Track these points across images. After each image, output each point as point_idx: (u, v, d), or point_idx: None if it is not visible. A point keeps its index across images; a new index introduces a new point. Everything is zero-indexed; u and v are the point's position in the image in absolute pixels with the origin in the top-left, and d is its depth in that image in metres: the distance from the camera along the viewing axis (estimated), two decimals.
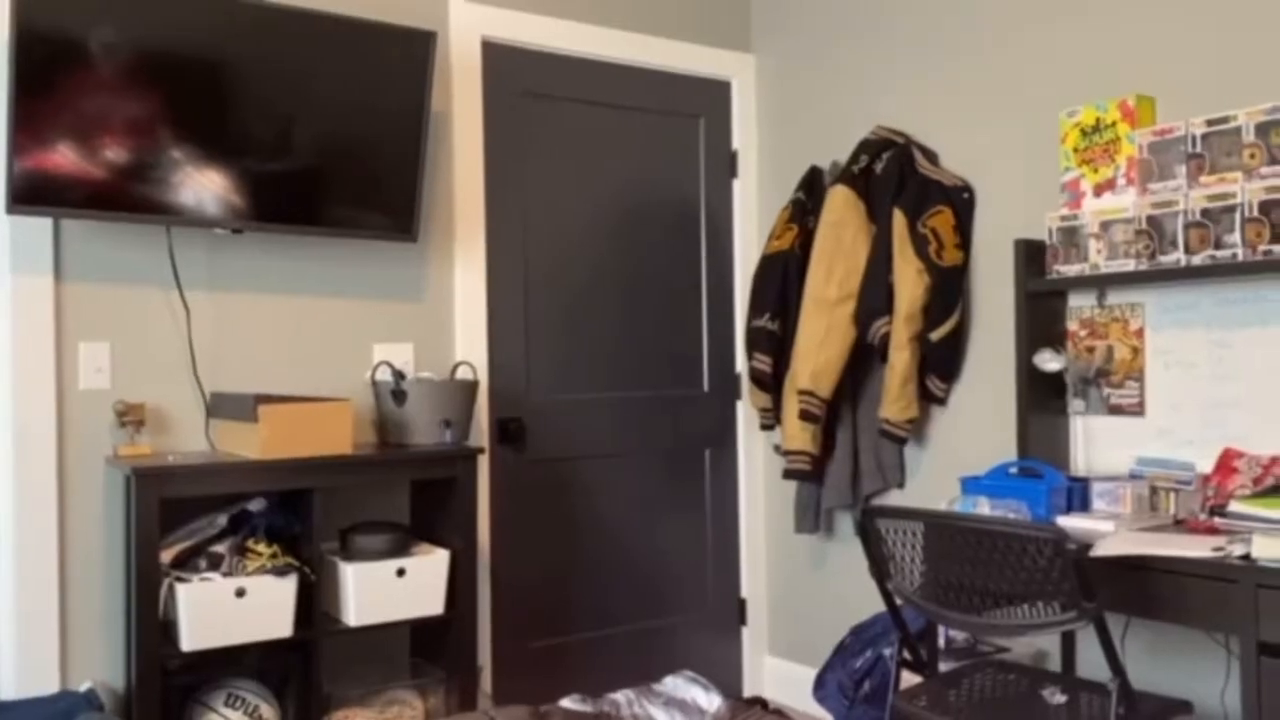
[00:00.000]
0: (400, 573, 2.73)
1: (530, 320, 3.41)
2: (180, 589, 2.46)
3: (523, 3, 3.38)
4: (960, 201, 3.11)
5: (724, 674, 3.81)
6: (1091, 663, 2.69)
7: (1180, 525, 2.37)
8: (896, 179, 3.16)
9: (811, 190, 3.50)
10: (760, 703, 3.76)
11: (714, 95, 3.83)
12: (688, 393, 3.77)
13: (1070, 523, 2.44)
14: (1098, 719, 2.17)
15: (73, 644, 2.65)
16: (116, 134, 2.55)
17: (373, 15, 2.97)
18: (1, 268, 2.60)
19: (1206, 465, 2.50)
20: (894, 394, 3.11)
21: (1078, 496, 2.61)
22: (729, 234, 3.86)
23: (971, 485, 2.72)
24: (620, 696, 1.92)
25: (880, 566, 2.39)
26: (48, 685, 2.60)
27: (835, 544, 3.60)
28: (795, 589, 3.76)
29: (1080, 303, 2.83)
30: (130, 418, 2.65)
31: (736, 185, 3.87)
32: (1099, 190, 2.68)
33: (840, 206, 3.26)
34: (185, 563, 2.55)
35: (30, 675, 2.59)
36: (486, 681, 3.23)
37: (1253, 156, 2.35)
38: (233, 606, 2.50)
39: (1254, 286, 2.48)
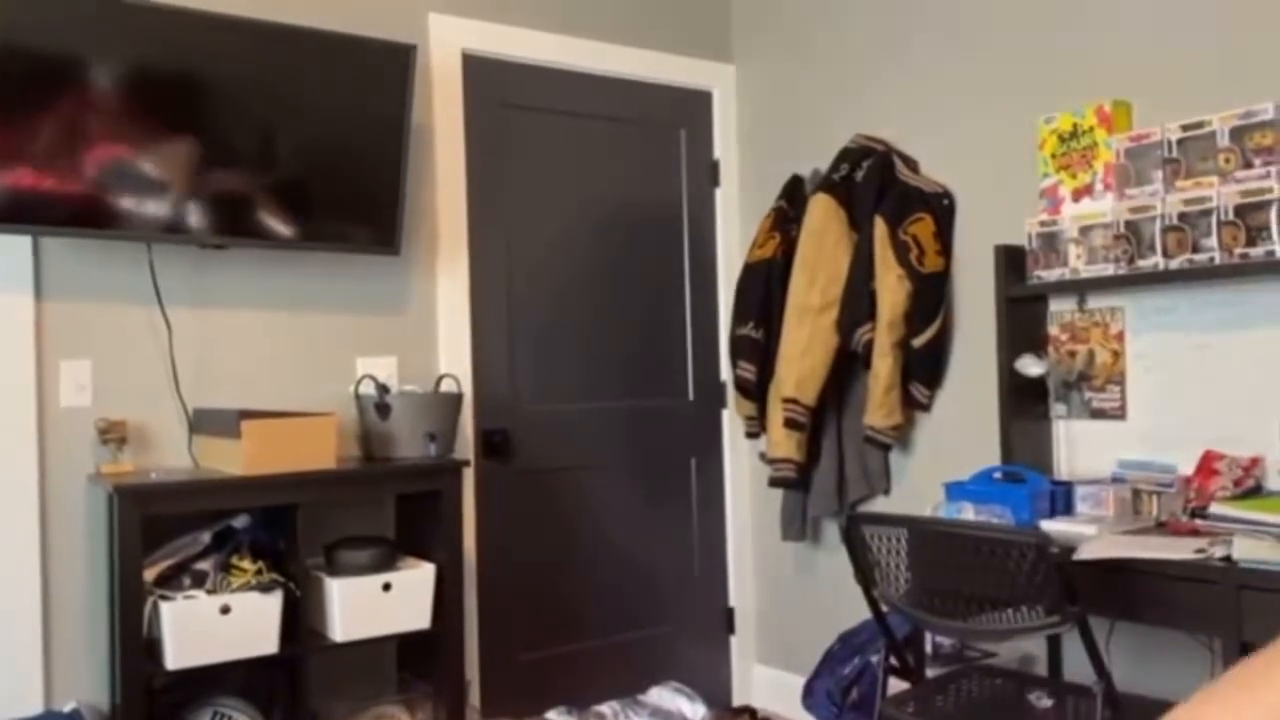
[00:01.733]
0: (386, 587, 2.72)
1: (514, 332, 3.41)
2: (164, 607, 2.45)
3: (502, 15, 3.39)
4: (941, 208, 3.13)
5: (713, 683, 3.81)
6: (1077, 666, 2.70)
7: (1162, 527, 2.38)
8: (877, 186, 3.18)
9: (793, 199, 3.51)
10: (749, 712, 3.76)
11: (695, 105, 3.85)
12: (673, 402, 3.77)
13: (1053, 526, 2.45)
14: None
15: (57, 664, 2.63)
16: (96, 151, 2.54)
17: (352, 29, 2.97)
18: None
19: (1188, 467, 2.51)
20: (878, 401, 3.12)
21: (1061, 500, 2.62)
22: (711, 243, 3.87)
23: (955, 491, 2.73)
24: (606, 709, 1.92)
25: (866, 573, 2.39)
26: (32, 706, 2.58)
27: (822, 551, 3.61)
28: (782, 597, 3.77)
29: (1061, 307, 2.84)
30: (112, 435, 2.63)
31: (718, 194, 3.89)
32: (1077, 196, 2.70)
33: (822, 214, 3.27)
34: (169, 580, 2.54)
35: (14, 696, 2.57)
36: (475, 695, 3.22)
37: (1227, 161, 2.37)
38: (218, 624, 2.48)
39: (1231, 289, 2.50)
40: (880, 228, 3.12)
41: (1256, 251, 2.28)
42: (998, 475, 2.73)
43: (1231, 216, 2.32)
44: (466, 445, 3.24)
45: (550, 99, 3.50)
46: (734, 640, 3.86)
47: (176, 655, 2.45)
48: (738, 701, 3.85)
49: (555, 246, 3.50)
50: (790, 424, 3.28)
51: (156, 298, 2.79)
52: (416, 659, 2.97)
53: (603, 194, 3.62)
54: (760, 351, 3.43)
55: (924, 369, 3.13)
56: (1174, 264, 2.42)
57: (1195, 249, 2.38)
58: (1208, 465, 2.43)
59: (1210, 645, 2.47)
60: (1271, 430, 2.43)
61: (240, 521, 2.68)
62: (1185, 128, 2.45)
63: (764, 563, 3.84)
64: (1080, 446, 2.81)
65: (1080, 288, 2.66)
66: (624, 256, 3.67)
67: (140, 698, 2.42)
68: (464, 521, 2.93)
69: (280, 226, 2.82)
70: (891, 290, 3.07)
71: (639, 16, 3.69)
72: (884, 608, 2.41)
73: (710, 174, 3.88)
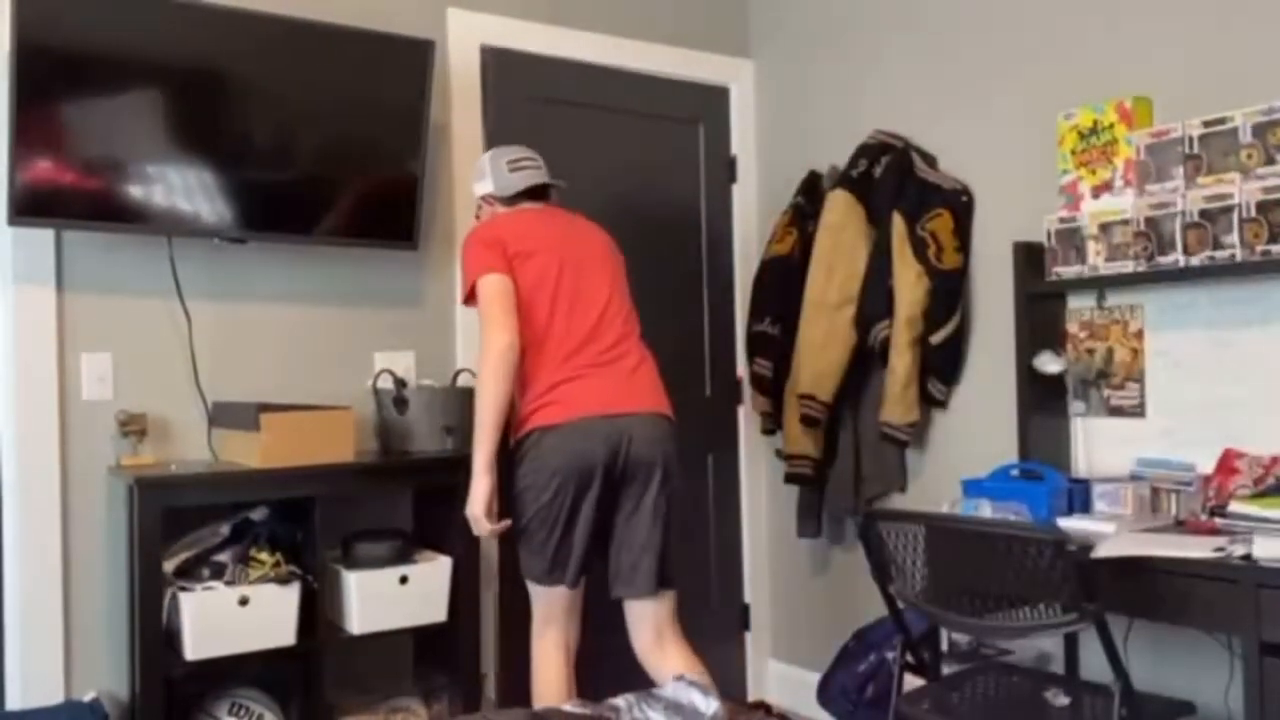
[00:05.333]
0: (403, 580, 2.73)
1: None
2: (183, 598, 2.47)
3: (521, 10, 3.40)
4: (959, 205, 3.12)
5: (728, 679, 3.80)
6: (1094, 665, 2.69)
7: (1181, 526, 2.37)
8: (895, 183, 3.17)
9: (811, 195, 3.50)
10: (764, 707, 3.76)
11: (713, 101, 3.84)
12: (689, 397, 3.76)
13: (1071, 524, 2.44)
14: None
15: (77, 654, 2.66)
16: (118, 145, 2.56)
17: (371, 25, 2.98)
18: (4, 279, 2.61)
19: (1207, 466, 2.50)
20: (895, 397, 3.11)
21: (1079, 498, 2.61)
22: (729, 239, 3.87)
23: (973, 488, 2.72)
24: (620, 701, 1.93)
25: (882, 570, 2.39)
26: (52, 695, 2.61)
27: (838, 548, 3.60)
28: (798, 593, 3.76)
29: (1080, 304, 2.83)
30: (133, 428, 2.66)
31: (736, 190, 3.88)
32: (1097, 192, 2.68)
33: (840, 210, 3.26)
34: (188, 572, 2.56)
35: (34, 685, 2.59)
36: (491, 688, 3.23)
37: (1250, 157, 2.36)
38: (236, 615, 2.50)
39: (1252, 286, 2.48)
40: (898, 224, 3.11)
41: (1278, 248, 2.26)
42: (1015, 472, 2.72)
43: (1253, 213, 2.30)
44: None
45: (568, 94, 3.50)
46: (749, 636, 3.85)
47: (195, 646, 2.47)
48: (753, 697, 3.85)
49: None
50: (807, 420, 3.28)
51: (177, 291, 2.81)
52: (433, 652, 2.98)
53: (620, 189, 3.62)
54: (777, 347, 3.43)
55: (941, 366, 3.12)
56: (1194, 261, 2.41)
57: (1216, 246, 2.37)
58: (1227, 463, 2.42)
59: (1229, 644, 2.46)
60: None
61: (259, 514, 2.69)
62: (1207, 124, 2.44)
63: (780, 559, 3.84)
64: (1099, 444, 2.79)
65: (1099, 284, 2.65)
66: (641, 252, 3.66)
67: (159, 688, 2.44)
68: None
69: (300, 221, 2.84)
70: (909, 287, 3.06)
71: (658, 11, 3.68)
72: (900, 604, 2.40)
73: (728, 170, 3.87)
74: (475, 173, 2.81)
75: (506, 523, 2.52)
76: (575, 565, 2.53)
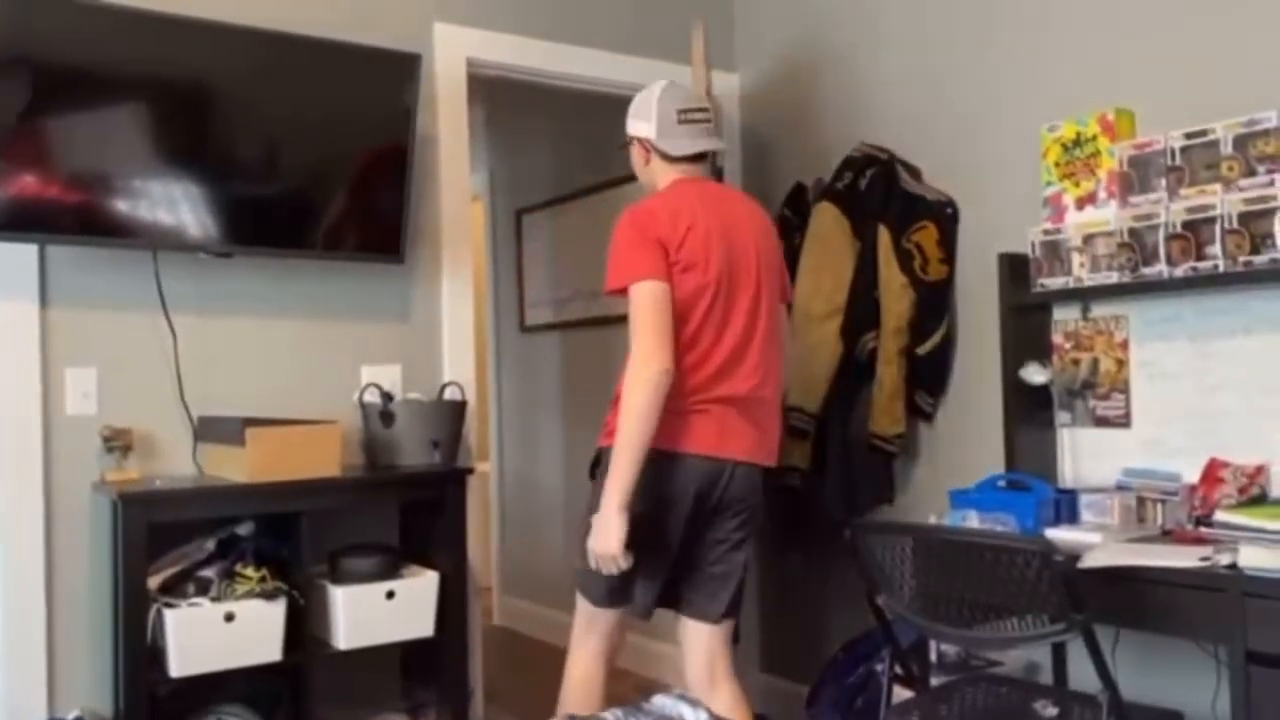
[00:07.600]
0: (390, 595, 2.72)
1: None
2: (168, 614, 2.45)
3: (507, 24, 3.40)
4: (944, 217, 3.13)
5: None
6: (1082, 675, 2.69)
7: (1167, 536, 2.38)
8: (881, 195, 3.18)
9: (797, 207, 3.51)
10: (759, 718, 3.74)
11: None
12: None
13: (1058, 535, 2.44)
14: None
15: (60, 671, 2.63)
16: (102, 159, 2.55)
17: (358, 39, 2.98)
18: None
19: (1192, 475, 2.51)
20: (882, 408, 3.12)
21: (1065, 508, 2.62)
22: None
23: (960, 499, 2.72)
24: (609, 715, 1.92)
25: (871, 581, 2.39)
26: (35, 713, 2.58)
27: (827, 559, 3.60)
28: (787, 605, 3.76)
29: (1064, 315, 2.84)
30: (117, 443, 2.64)
31: None
32: (1081, 204, 2.70)
33: (826, 223, 3.27)
34: (173, 588, 2.54)
35: (18, 703, 2.57)
36: (479, 704, 3.21)
37: (1231, 169, 2.38)
38: (221, 631, 2.48)
39: (1236, 297, 2.49)
40: (884, 236, 3.12)
41: (1261, 259, 2.28)
42: (1002, 483, 2.73)
43: (1235, 224, 2.32)
44: (470, 453, 3.24)
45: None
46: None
47: (180, 663, 2.45)
48: None
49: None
50: (794, 432, 3.28)
51: (162, 306, 2.79)
52: (420, 667, 2.97)
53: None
54: None
55: (928, 377, 3.13)
56: (1178, 272, 2.42)
57: (1199, 257, 2.38)
58: (1212, 473, 2.43)
59: (1216, 654, 2.47)
60: (1276, 438, 2.43)
61: (244, 529, 2.68)
62: (1188, 135, 2.45)
63: (768, 570, 3.83)
64: (1085, 454, 2.80)
65: (1084, 296, 2.66)
66: None
67: (143, 705, 2.42)
68: (467, 529, 2.93)
69: (285, 235, 2.83)
70: (895, 298, 3.07)
71: (642, 26, 3.70)
72: (889, 616, 2.40)
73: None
74: (637, 107, 2.53)
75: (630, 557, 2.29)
76: (645, 594, 2.39)
